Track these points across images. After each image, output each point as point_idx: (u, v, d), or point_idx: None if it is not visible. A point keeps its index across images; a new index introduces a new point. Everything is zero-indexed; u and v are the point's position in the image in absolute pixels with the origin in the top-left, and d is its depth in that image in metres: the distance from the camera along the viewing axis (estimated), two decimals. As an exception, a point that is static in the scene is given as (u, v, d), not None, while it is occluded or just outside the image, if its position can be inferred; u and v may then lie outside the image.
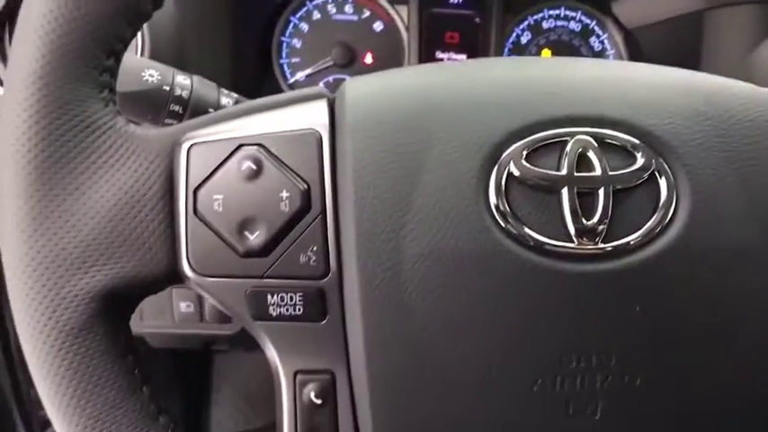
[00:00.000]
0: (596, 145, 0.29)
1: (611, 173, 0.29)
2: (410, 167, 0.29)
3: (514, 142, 0.29)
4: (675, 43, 0.70)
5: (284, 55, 0.75)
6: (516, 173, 0.29)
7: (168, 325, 0.69)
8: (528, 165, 0.29)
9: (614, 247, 0.29)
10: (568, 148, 0.29)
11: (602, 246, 0.29)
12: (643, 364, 0.30)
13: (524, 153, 0.29)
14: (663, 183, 0.30)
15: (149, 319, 0.69)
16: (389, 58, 0.74)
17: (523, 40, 0.75)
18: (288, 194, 0.29)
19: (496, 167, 0.29)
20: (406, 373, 0.29)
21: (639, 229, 0.29)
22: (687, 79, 0.32)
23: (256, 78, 0.74)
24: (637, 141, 0.30)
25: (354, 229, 0.29)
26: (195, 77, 0.44)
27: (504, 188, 0.29)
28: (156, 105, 0.41)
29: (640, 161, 0.30)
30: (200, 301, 0.68)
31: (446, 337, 0.29)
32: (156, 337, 0.71)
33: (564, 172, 0.29)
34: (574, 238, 0.29)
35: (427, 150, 0.29)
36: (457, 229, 0.29)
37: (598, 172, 0.29)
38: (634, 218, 0.29)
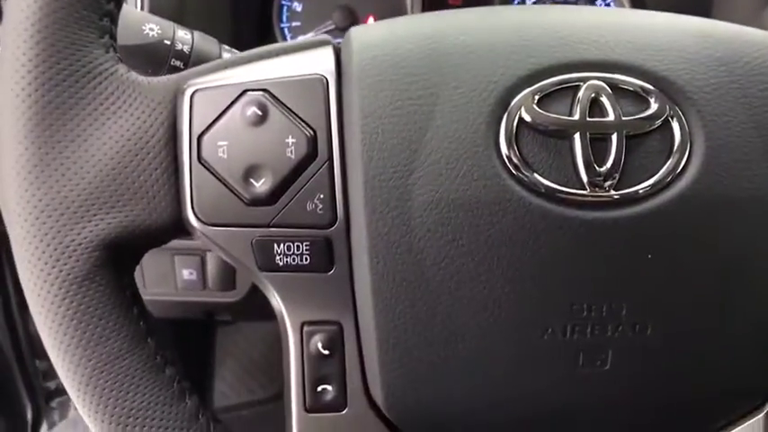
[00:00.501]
0: (609, 90, 0.29)
1: (624, 118, 0.29)
2: (418, 113, 0.29)
3: (525, 87, 0.29)
4: (683, 5, 0.69)
5: (285, 19, 0.74)
6: (527, 118, 0.28)
7: (171, 292, 0.69)
8: (539, 110, 0.29)
9: (626, 194, 0.28)
10: (581, 93, 0.29)
11: (614, 193, 0.28)
12: (654, 313, 0.29)
13: (536, 98, 0.29)
14: (677, 129, 0.29)
15: (152, 287, 0.68)
16: (392, 21, 0.72)
17: (528, 3, 0.74)
18: (294, 141, 0.29)
19: (507, 113, 0.29)
20: (414, 321, 0.29)
21: (653, 176, 0.29)
22: (703, 26, 0.31)
23: (256, 43, 0.73)
24: (651, 87, 0.29)
25: (362, 177, 0.28)
26: (196, 33, 0.43)
27: (514, 134, 0.28)
28: (156, 60, 0.40)
29: (654, 107, 0.29)
30: (202, 268, 0.68)
31: (455, 285, 0.29)
32: (158, 306, 0.71)
33: (576, 117, 0.28)
34: (586, 185, 0.28)
35: (436, 96, 0.29)
36: (466, 176, 0.28)
37: (611, 117, 0.29)
38: (647, 164, 0.29)
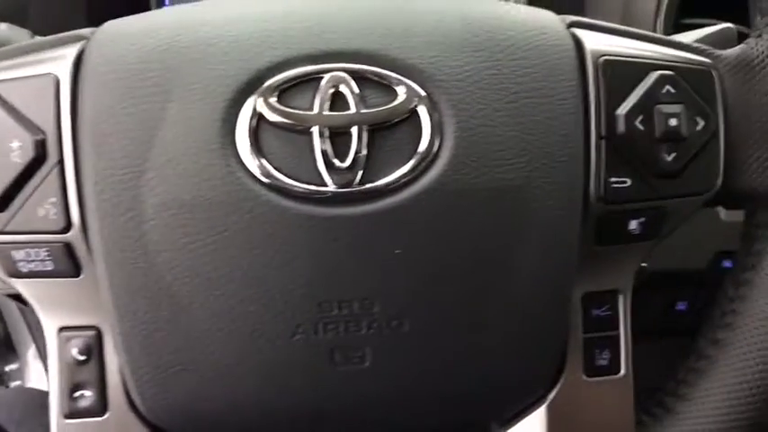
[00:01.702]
0: (353, 82, 0.28)
1: (364, 111, 0.28)
2: (149, 112, 0.27)
3: (264, 81, 0.28)
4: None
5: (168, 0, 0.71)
6: (265, 114, 0.27)
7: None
8: (277, 105, 0.27)
9: (370, 189, 0.28)
10: (322, 85, 0.28)
11: (357, 188, 0.28)
12: (409, 309, 0.29)
13: (275, 92, 0.28)
14: (425, 119, 0.28)
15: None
16: None
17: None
18: (20, 144, 0.28)
19: (245, 108, 0.28)
20: (156, 325, 0.28)
21: (398, 169, 0.28)
22: (467, 8, 0.30)
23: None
24: (398, 77, 0.28)
25: (93, 179, 0.27)
26: (4, 24, 0.41)
27: (253, 130, 0.28)
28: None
29: (401, 98, 0.28)
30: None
31: (195, 287, 0.28)
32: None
33: (314, 111, 0.27)
34: (326, 182, 0.27)
35: (168, 93, 0.28)
36: (201, 176, 0.27)
37: (351, 111, 0.28)
38: (393, 157, 0.28)
